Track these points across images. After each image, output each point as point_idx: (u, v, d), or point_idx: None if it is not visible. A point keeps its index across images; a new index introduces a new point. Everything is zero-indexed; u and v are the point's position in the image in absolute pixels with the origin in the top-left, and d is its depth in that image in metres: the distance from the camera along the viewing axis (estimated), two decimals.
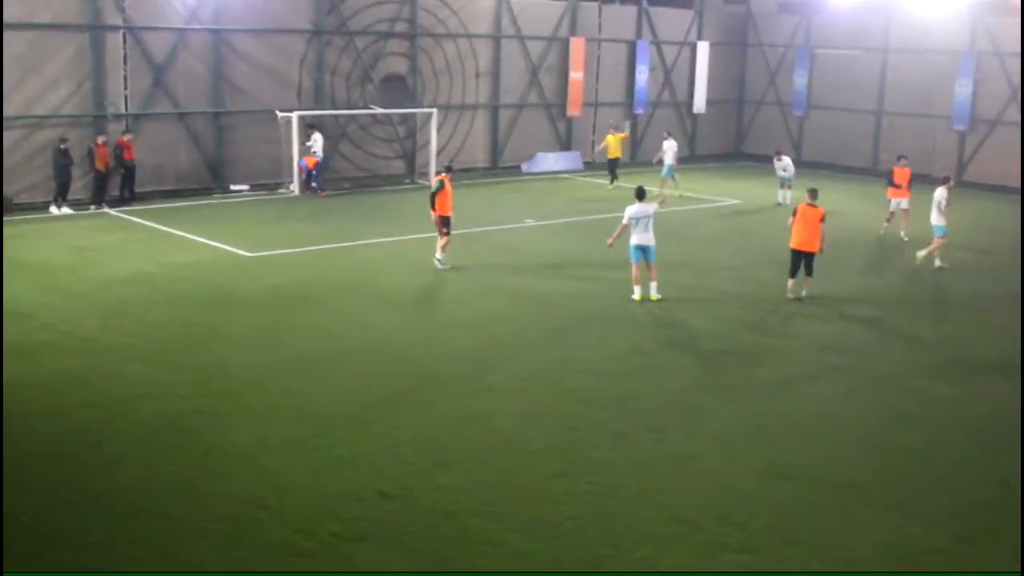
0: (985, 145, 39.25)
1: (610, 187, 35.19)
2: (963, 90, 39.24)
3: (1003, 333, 19.12)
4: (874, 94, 42.08)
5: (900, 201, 27.64)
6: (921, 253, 24.19)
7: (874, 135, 42.30)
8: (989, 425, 14.40)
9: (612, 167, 36.01)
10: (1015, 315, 20.34)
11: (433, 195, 22.32)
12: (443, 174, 22.87)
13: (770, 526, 11.03)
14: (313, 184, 32.31)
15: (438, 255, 22.51)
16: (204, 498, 11.27)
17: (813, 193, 20.79)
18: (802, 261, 20.49)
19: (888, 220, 28.13)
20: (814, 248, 20.33)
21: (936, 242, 23.87)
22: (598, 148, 38.01)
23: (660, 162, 34.92)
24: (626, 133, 35.65)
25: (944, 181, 24.56)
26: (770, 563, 10.30)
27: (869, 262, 24.92)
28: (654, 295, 20.10)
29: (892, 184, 28.05)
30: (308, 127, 32.92)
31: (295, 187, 32.44)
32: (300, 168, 32.41)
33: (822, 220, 20.30)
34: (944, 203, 23.82)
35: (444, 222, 22.35)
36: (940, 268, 23.80)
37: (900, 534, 10.98)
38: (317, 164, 32.17)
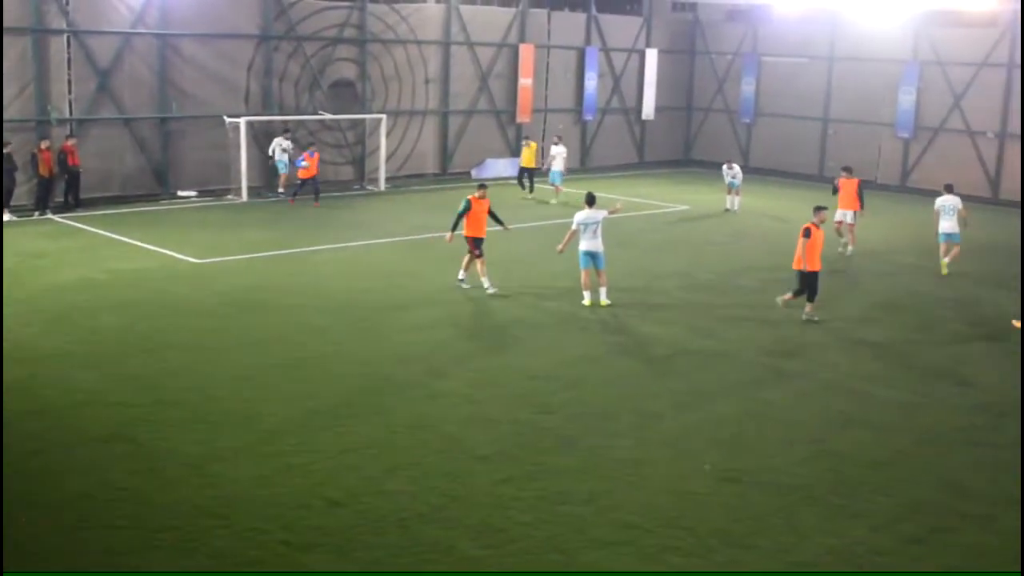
0: (928, 152, 39.86)
1: (529, 196, 34.58)
2: (907, 98, 39.83)
3: (952, 337, 19.40)
4: (820, 102, 42.58)
5: (846, 213, 26.66)
6: (945, 260, 24.52)
7: (820, 142, 42.80)
8: (936, 429, 14.59)
9: (524, 176, 35.29)
10: (964, 319, 20.66)
11: (459, 216, 20.90)
12: (473, 194, 21.31)
13: (719, 530, 11.10)
14: (292, 194, 32.06)
15: (461, 275, 21.42)
16: (152, 508, 11.14)
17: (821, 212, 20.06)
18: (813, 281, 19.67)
19: (838, 231, 26.99)
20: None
21: (956, 250, 24.26)
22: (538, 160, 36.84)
23: (550, 169, 34.90)
24: (534, 144, 34.74)
25: (949, 189, 25.28)
26: (719, 566, 10.37)
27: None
28: (604, 301, 20.18)
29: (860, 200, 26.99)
30: (284, 130, 33.09)
31: (281, 193, 32.88)
32: (283, 177, 33.03)
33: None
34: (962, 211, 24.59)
35: (475, 243, 21.02)
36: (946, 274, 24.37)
37: (847, 536, 11.09)
38: (315, 177, 31.76)
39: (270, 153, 32.89)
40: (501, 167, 39.78)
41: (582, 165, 43.07)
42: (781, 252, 26.51)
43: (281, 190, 32.87)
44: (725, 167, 33.54)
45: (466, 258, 21.24)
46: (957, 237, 24.36)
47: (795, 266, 19.73)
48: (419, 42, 37.38)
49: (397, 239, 26.66)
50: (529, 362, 16.81)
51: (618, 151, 44.90)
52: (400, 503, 11.43)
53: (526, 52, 40.04)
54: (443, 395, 15.09)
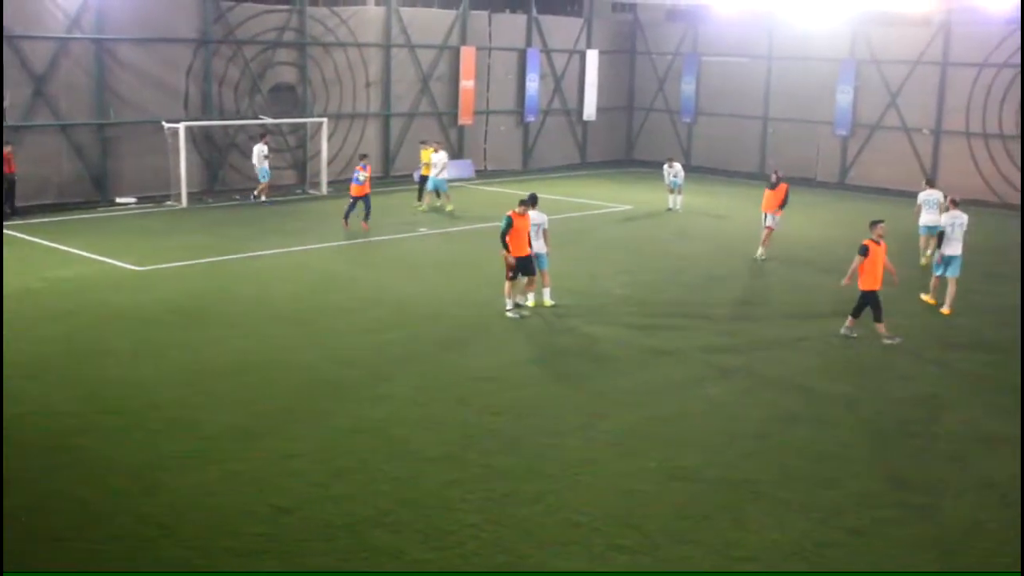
0: (865, 149, 40.42)
1: (422, 207, 32.04)
2: (844, 96, 40.36)
3: (891, 330, 19.64)
4: (760, 101, 43.01)
5: (770, 216, 25.87)
6: (929, 253, 24.62)
7: (760, 140, 43.23)
8: (877, 421, 14.81)
9: (423, 184, 32.68)
10: (901, 315, 20.93)
11: (504, 235, 19.15)
12: (514, 209, 19.44)
13: (666, 527, 11.19)
14: (347, 215, 28.59)
15: (510, 304, 19.55)
16: (96, 518, 11.01)
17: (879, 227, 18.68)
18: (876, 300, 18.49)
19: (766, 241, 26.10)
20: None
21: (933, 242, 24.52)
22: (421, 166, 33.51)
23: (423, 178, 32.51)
24: (434, 148, 32.50)
25: (930, 183, 25.76)
26: (666, 564, 10.44)
27: (759, 265, 25.38)
28: (547, 301, 20.23)
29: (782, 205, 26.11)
30: (261, 135, 32.82)
31: (259, 195, 32.29)
32: (264, 185, 32.31)
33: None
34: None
35: (521, 265, 19.36)
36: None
37: (792, 530, 11.22)
38: (366, 195, 28.37)
39: (254, 161, 32.45)
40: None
41: (524, 167, 43.17)
42: (723, 250, 26.83)
43: (263, 198, 32.38)
44: (666, 166, 33.75)
45: (507, 284, 19.58)
46: (935, 229, 23.61)
47: (860, 287, 18.40)
48: (359, 45, 37.26)
49: (340, 243, 26.54)
50: (474, 363, 16.82)
51: (560, 152, 45.05)
52: (347, 508, 11.38)
53: (467, 54, 40.04)
54: (389, 398, 15.06)
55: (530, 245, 19.50)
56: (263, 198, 32.47)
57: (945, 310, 20.83)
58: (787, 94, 42.17)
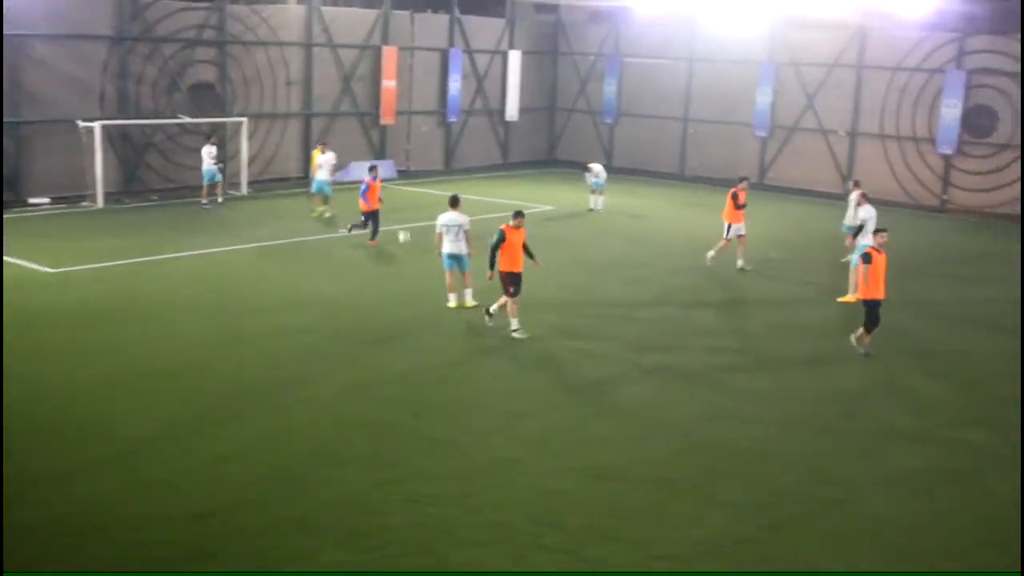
0: (784, 150, 41.01)
1: (314, 214, 30.81)
2: (763, 98, 40.91)
3: (810, 329, 19.97)
4: (680, 102, 43.41)
5: (740, 227, 24.92)
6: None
7: (681, 141, 43.65)
8: (797, 417, 15.06)
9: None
10: (820, 311, 21.32)
11: (494, 249, 18.36)
12: (508, 222, 18.64)
13: (587, 526, 11.25)
14: (357, 227, 26.87)
15: (516, 324, 18.57)
16: (10, 529, 10.75)
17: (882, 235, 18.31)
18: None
19: (724, 247, 25.25)
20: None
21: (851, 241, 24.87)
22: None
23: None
24: (320, 149, 31.33)
25: (856, 185, 25.79)
26: (586, 562, 10.50)
27: (679, 263, 25.62)
28: (469, 302, 20.22)
29: (739, 207, 24.88)
30: (207, 136, 32.16)
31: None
32: (207, 188, 30.94)
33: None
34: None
35: (510, 280, 18.47)
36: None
37: (712, 526, 11.37)
38: (376, 211, 26.31)
39: (204, 165, 31.80)
40: (365, 170, 39.45)
41: (447, 167, 43.10)
42: (645, 250, 27.03)
43: (204, 201, 31.78)
44: (586, 172, 33.92)
45: (502, 298, 18.80)
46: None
47: (859, 296, 18.09)
48: (280, 43, 36.89)
49: (261, 244, 26.25)
50: (397, 365, 16.76)
51: (482, 152, 45.06)
52: (266, 512, 11.28)
53: (389, 54, 39.86)
54: (312, 400, 14.95)
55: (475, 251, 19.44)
56: (205, 201, 31.79)
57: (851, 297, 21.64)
58: (707, 95, 42.62)
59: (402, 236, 25.38)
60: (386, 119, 40.39)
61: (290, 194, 34.85)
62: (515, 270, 18.45)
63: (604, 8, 44.78)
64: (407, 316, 19.74)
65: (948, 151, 37.02)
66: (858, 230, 21.87)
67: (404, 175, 40.22)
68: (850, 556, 10.92)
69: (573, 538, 10.96)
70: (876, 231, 18.40)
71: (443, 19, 42.62)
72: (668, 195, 38.22)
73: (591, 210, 33.26)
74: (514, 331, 18.44)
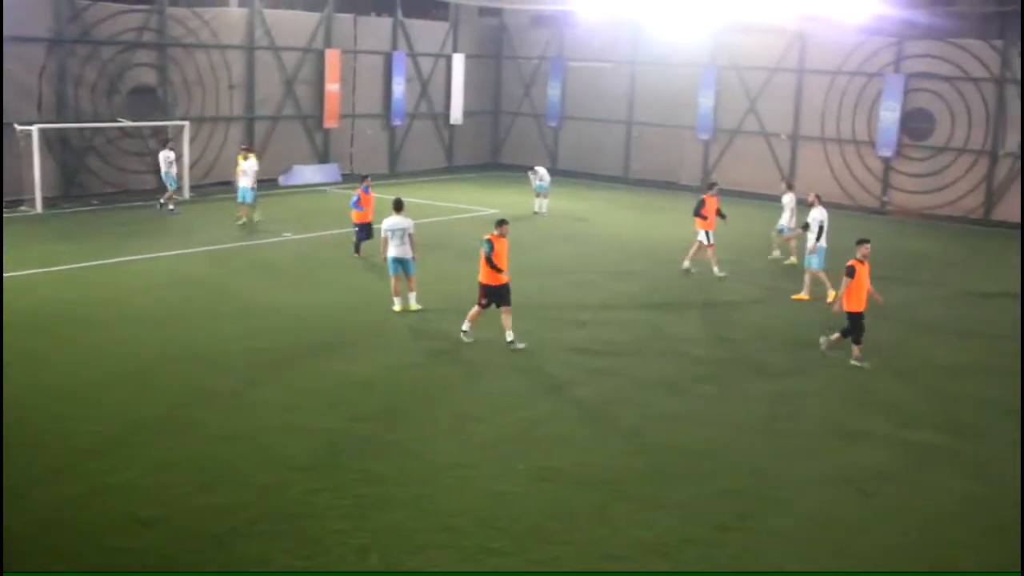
0: (727, 153, 41.37)
1: (250, 219, 29.74)
2: (706, 102, 41.25)
3: (756, 333, 20.15)
4: (624, 105, 43.65)
5: (710, 233, 24.58)
6: (793, 259, 25.75)
7: (624, 144, 43.88)
8: (744, 418, 15.19)
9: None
10: (767, 311, 21.53)
11: (489, 257, 17.91)
12: (492, 232, 18.26)
13: (535, 528, 11.27)
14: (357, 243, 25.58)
15: (467, 327, 18.35)
16: None
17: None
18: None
19: (695, 255, 25.02)
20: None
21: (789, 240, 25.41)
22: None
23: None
24: (243, 155, 30.24)
25: (790, 187, 26.24)
26: (535, 564, 10.53)
27: (626, 267, 25.73)
28: (413, 305, 20.18)
29: (700, 215, 24.65)
30: (164, 141, 31.71)
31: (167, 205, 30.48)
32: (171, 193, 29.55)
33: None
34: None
35: (485, 292, 18.11)
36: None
37: (658, 527, 11.44)
38: (370, 223, 25.26)
39: (163, 170, 31.28)
40: (310, 174, 39.33)
41: (391, 170, 42.98)
42: (591, 254, 27.11)
43: (172, 207, 31.25)
44: (530, 173, 34.02)
45: (476, 310, 18.35)
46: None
47: (845, 308, 17.83)
48: (222, 46, 36.58)
49: (204, 248, 26.01)
50: (345, 370, 16.68)
51: (427, 156, 44.99)
52: (214, 518, 11.19)
53: (332, 57, 39.69)
54: (260, 405, 14.84)
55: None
56: (171, 207, 31.37)
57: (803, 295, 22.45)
58: (651, 99, 42.90)
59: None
60: (330, 122, 40.21)
61: (233, 198, 34.45)
62: (498, 283, 18.01)
63: (547, 12, 44.91)
64: (351, 320, 19.66)
65: (887, 154, 37.59)
66: (819, 231, 22.27)
67: (348, 179, 40.03)
68: (796, 555, 11.04)
69: (522, 541, 10.97)
70: (859, 242, 17.91)
71: (386, 22, 42.52)
72: (612, 198, 38.41)
73: (536, 213, 33.33)
74: (464, 333, 18.28)
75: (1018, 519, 12.05)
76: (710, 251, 24.59)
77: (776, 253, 26.81)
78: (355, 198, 25.49)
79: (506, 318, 18.13)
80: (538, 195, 33.66)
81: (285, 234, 28.02)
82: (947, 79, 36.44)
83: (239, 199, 29.71)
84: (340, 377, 16.26)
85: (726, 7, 37.42)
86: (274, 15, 38.33)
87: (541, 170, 33.93)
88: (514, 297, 21.88)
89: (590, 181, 42.54)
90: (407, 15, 42.94)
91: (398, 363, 17.22)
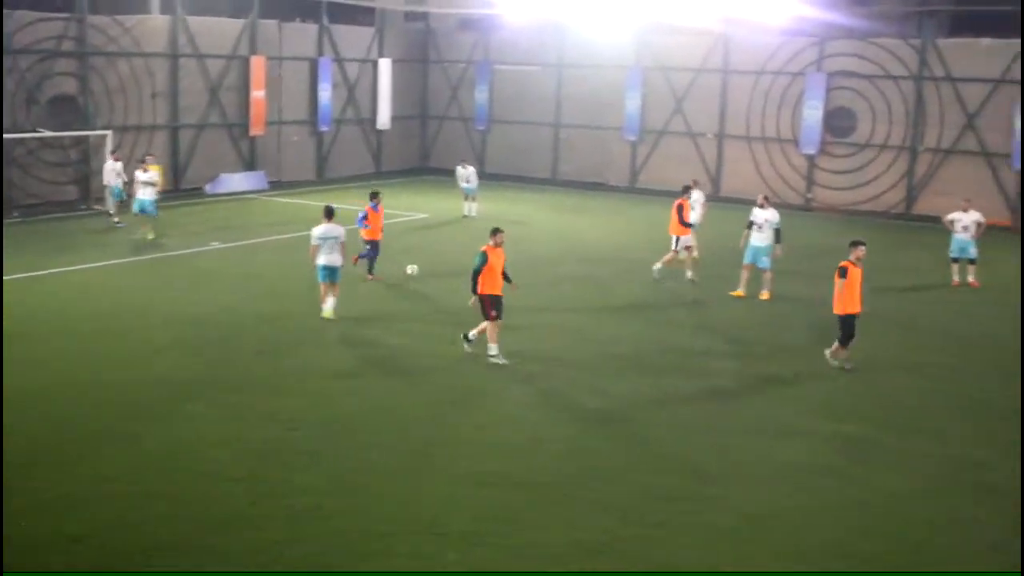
0: (654, 154, 41.69)
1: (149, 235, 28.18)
2: (632, 103, 41.53)
3: (685, 331, 20.33)
4: (551, 108, 43.80)
5: (687, 238, 24.25)
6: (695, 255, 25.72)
7: (553, 147, 44.02)
8: (677, 416, 15.30)
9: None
10: (697, 312, 21.72)
11: (476, 273, 17.41)
12: (487, 243, 17.76)
13: (472, 532, 11.26)
14: (362, 258, 23.83)
15: (495, 349, 17.52)
16: None
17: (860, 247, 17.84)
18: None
19: (669, 261, 24.52)
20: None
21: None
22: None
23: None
24: (143, 167, 29.08)
25: (695, 183, 26.56)
26: (472, 567, 10.50)
27: (558, 269, 25.79)
28: (327, 312, 19.79)
29: (683, 222, 24.12)
30: (112, 152, 31.01)
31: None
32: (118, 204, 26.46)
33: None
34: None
35: (492, 303, 17.45)
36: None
37: (593, 527, 11.48)
38: (377, 241, 23.90)
39: (105, 182, 30.61)
40: (236, 182, 38.87)
41: (319, 177, 42.65)
42: (523, 257, 27.03)
43: (117, 219, 30.42)
44: (460, 167, 34.06)
45: (483, 324, 17.74)
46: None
47: (835, 310, 17.58)
48: (144, 54, 36.06)
49: (131, 259, 25.63)
50: (276, 380, 16.53)
51: (355, 161, 44.72)
52: (146, 532, 11.02)
53: (257, 64, 39.30)
54: (194, 417, 14.63)
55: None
56: (117, 219, 30.56)
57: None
58: (578, 101, 43.09)
59: (409, 269, 23.32)
60: (255, 130, 39.81)
61: (159, 206, 34.00)
62: (496, 292, 17.45)
63: (474, 16, 44.94)
64: (283, 329, 19.48)
65: (811, 151, 38.17)
66: (777, 234, 22.63)
67: (275, 186, 39.69)
68: (732, 551, 11.13)
69: (459, 545, 10.95)
70: (855, 243, 17.73)
71: (312, 28, 42.23)
72: (541, 200, 38.51)
73: (465, 216, 33.31)
74: (492, 356, 17.46)
75: (951, 512, 12.31)
76: (671, 256, 24.37)
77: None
78: (361, 215, 24.03)
79: (493, 331, 17.55)
80: (466, 198, 33.65)
81: (214, 243, 27.69)
82: (868, 77, 37.12)
83: (136, 209, 28.30)
84: (272, 387, 16.10)
85: (650, 9, 37.74)
86: (197, 22, 37.82)
87: (470, 168, 33.96)
88: (450, 302, 21.95)
89: (519, 184, 42.59)
90: (332, 21, 42.68)
91: (330, 371, 17.09)
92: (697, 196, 26.45)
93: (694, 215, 25.98)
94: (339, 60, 43.09)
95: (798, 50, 38.24)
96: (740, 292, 22.80)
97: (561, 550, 10.94)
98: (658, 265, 24.50)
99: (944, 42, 36.33)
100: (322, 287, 19.96)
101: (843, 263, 17.45)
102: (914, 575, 10.83)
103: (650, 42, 40.94)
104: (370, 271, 23.61)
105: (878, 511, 12.27)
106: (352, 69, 43.89)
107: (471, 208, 33.53)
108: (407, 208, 35.25)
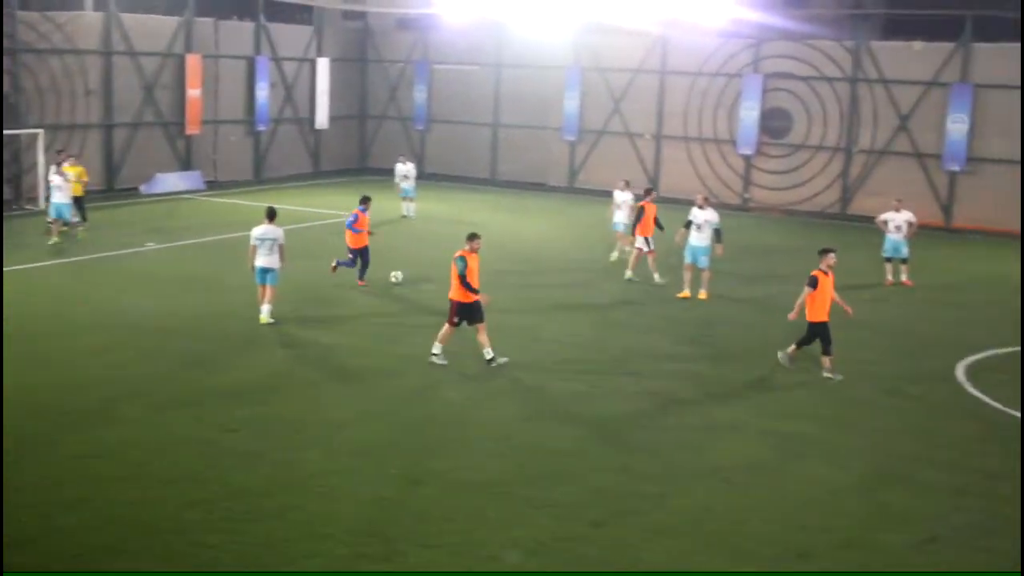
0: (593, 154, 41.84)
1: (80, 230, 27.87)
2: (571, 103, 41.65)
3: (622, 328, 20.41)
4: (490, 107, 43.79)
5: (650, 239, 24.38)
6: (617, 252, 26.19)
7: (491, 147, 44.02)
8: (610, 418, 15.34)
9: (79, 205, 28.45)
10: (639, 310, 21.83)
11: (463, 276, 17.13)
12: (463, 247, 17.48)
13: (409, 532, 11.21)
14: (340, 265, 23.43)
15: (438, 349, 17.46)
16: None
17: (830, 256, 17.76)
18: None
19: (645, 261, 24.55)
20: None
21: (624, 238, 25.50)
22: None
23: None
24: (80, 168, 28.64)
25: (627, 184, 26.77)
26: (411, 567, 10.46)
27: (496, 267, 25.69)
28: (264, 318, 19.52)
29: (639, 223, 24.39)
30: (58, 153, 29.88)
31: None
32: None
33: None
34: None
35: (457, 310, 17.29)
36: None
37: (533, 526, 11.47)
38: (366, 247, 23.29)
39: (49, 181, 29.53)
40: (172, 182, 38.37)
41: (257, 177, 42.24)
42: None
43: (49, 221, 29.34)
44: (399, 163, 33.92)
45: (447, 328, 17.50)
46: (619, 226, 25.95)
47: (809, 318, 17.39)
48: (77, 51, 35.50)
49: (63, 261, 25.21)
50: (212, 380, 16.35)
51: (293, 161, 44.36)
52: (77, 539, 10.83)
53: (193, 62, 38.85)
54: (124, 420, 14.40)
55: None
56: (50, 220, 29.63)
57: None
58: (516, 101, 43.13)
59: (393, 276, 23.27)
60: (191, 129, 39.34)
61: (91, 207, 33.46)
62: (470, 299, 17.22)
63: (412, 15, 44.80)
64: (220, 331, 19.27)
65: (748, 152, 38.56)
66: (717, 234, 22.79)
67: (212, 186, 39.28)
68: (671, 549, 11.18)
69: (397, 545, 10.90)
70: (825, 251, 17.72)
71: (248, 27, 41.82)
72: (480, 200, 38.50)
73: (404, 216, 33.19)
74: (434, 355, 17.35)
75: (883, 507, 12.47)
76: (651, 257, 24.31)
77: (616, 254, 27.05)
78: (351, 218, 23.22)
79: (482, 335, 17.34)
80: (405, 199, 33.54)
81: (149, 244, 27.31)
82: (803, 79, 37.56)
83: (52, 215, 26.89)
84: (207, 389, 15.92)
85: (588, 9, 37.88)
86: (131, 19, 37.29)
87: (410, 164, 33.91)
88: (386, 302, 21.87)
89: (458, 184, 42.54)
90: (270, 19, 42.30)
91: (266, 372, 16.94)
92: (625, 197, 26.64)
93: (621, 214, 26.22)
94: (276, 59, 42.72)
95: (735, 52, 38.61)
96: (686, 293, 22.87)
97: (500, 549, 10.93)
98: (655, 274, 24.17)
99: (878, 44, 36.86)
100: (260, 289, 19.72)
101: (814, 272, 17.32)
102: (910, 575, 10.73)
103: (588, 42, 41.09)
104: (361, 277, 23.10)
105: (813, 506, 12.40)
106: (290, 68, 43.54)
107: (410, 208, 33.41)
108: (346, 208, 34.83)
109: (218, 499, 11.88)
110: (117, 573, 9.87)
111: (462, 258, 17.21)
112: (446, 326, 17.47)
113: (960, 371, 18.14)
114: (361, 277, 23.21)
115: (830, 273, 17.48)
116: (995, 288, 25.93)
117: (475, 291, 17.25)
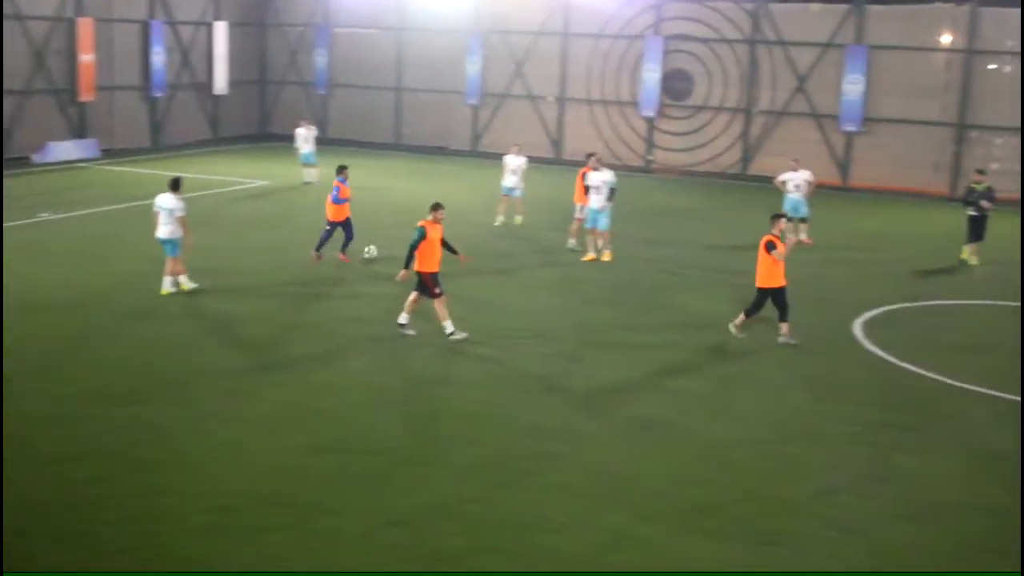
0: (496, 117, 41.81)
1: None
2: (473, 67, 41.51)
3: (523, 287, 20.50)
4: (392, 71, 43.45)
5: (583, 207, 23.88)
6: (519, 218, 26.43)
7: (395, 111, 43.73)
8: (516, 378, 15.47)
9: None
10: (543, 273, 21.90)
11: (413, 248, 16.81)
12: (425, 217, 17.18)
13: (315, 500, 11.20)
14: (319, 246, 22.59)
15: (404, 319, 17.23)
16: None
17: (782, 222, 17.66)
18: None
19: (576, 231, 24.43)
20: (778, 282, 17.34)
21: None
22: None
23: None
24: None
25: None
26: (314, 536, 10.46)
27: (403, 233, 25.62)
28: (165, 290, 19.31)
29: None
30: None
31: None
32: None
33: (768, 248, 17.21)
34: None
35: (433, 280, 16.97)
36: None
37: (438, 490, 11.54)
38: (347, 219, 22.54)
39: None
40: (66, 150, 37.42)
41: (154, 144, 41.39)
42: (371, 222, 26.85)
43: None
44: (302, 128, 33.43)
45: (413, 295, 17.27)
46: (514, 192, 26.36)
47: (759, 284, 17.31)
48: None
49: None
50: (112, 353, 16.08)
51: (191, 128, 43.54)
52: None
53: (84, 26, 37.83)
54: (17, 398, 14.00)
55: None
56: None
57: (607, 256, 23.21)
58: (419, 65, 42.87)
59: (367, 251, 22.66)
60: (85, 95, 38.37)
61: None
62: (434, 270, 16.95)
63: None
64: (118, 303, 18.91)
65: (650, 114, 38.86)
66: (611, 193, 22.93)
67: (108, 154, 38.41)
68: (575, 505, 11.33)
69: (302, 513, 10.89)
70: (776, 217, 17.62)
71: None
72: (385, 165, 38.28)
73: (307, 183, 32.85)
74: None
75: (782, 458, 12.78)
76: (576, 224, 24.23)
77: (501, 219, 27.19)
78: (335, 191, 22.54)
79: (442, 307, 17.09)
80: (306, 165, 33.16)
81: (42, 214, 26.64)
82: (703, 41, 37.90)
83: None
84: (108, 361, 15.65)
85: None
86: None
87: (312, 129, 33.60)
88: (286, 268, 21.65)
89: (362, 149, 42.19)
90: None
91: (169, 343, 16.69)
92: (519, 162, 26.78)
93: (514, 179, 26.39)
94: (172, 23, 41.80)
95: (636, 13, 38.78)
96: (591, 256, 23.07)
97: (409, 513, 10.97)
98: (572, 240, 24.24)
99: (776, 6, 37.31)
100: (168, 261, 19.34)
101: (769, 237, 17.09)
102: (910, 575, 10.75)
103: (489, 5, 40.94)
104: (318, 248, 22.40)
105: (711, 461, 12.67)
106: (186, 32, 42.65)
107: (311, 174, 33.07)
108: (247, 175, 34.63)
109: (119, 475, 11.72)
110: (117, 573, 9.72)
111: (420, 228, 16.89)
112: (436, 302, 17.08)
113: (857, 327, 18.62)
114: (343, 250, 22.58)
115: (783, 239, 17.34)
116: (891, 246, 26.59)
117: (408, 266, 16.99)
